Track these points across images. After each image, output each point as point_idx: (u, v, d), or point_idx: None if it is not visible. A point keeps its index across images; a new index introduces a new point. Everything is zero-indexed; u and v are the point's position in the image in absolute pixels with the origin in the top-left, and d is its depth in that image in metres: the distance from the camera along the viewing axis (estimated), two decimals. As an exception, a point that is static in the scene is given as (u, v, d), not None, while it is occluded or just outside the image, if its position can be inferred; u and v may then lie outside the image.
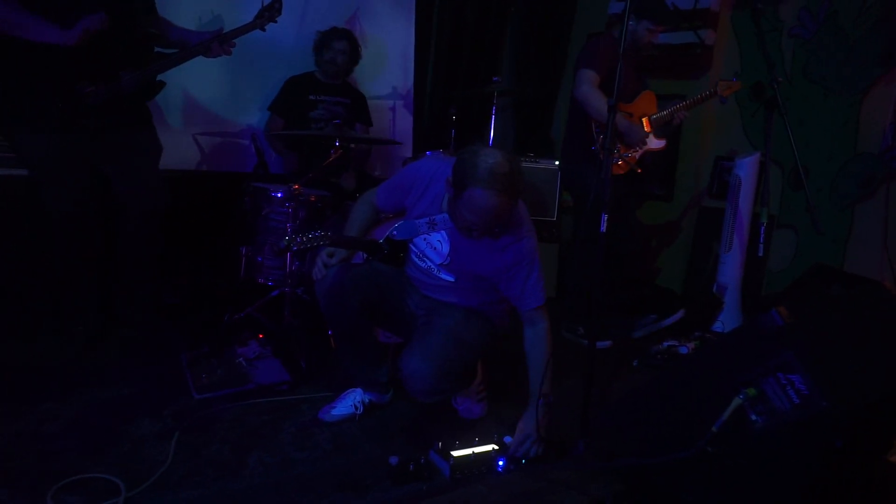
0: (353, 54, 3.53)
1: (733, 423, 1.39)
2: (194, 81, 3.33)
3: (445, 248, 2.09)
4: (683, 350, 2.98)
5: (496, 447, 1.96)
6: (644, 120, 3.06)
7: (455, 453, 1.89)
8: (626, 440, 1.91)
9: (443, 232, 2.08)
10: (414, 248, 2.18)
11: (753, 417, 1.37)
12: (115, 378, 2.39)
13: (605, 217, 1.98)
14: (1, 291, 2.64)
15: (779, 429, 1.36)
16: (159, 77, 2.53)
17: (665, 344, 3.04)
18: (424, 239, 2.13)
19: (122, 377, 2.40)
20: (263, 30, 2.62)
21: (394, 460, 1.88)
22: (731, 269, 3.38)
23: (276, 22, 2.64)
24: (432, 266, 2.13)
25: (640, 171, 3.08)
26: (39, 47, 2.19)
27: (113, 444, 1.95)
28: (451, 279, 2.12)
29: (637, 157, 3.06)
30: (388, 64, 4.13)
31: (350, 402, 2.23)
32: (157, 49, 2.59)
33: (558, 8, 4.71)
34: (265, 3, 2.60)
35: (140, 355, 2.61)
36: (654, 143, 3.09)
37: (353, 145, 3.25)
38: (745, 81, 3.72)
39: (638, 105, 3.08)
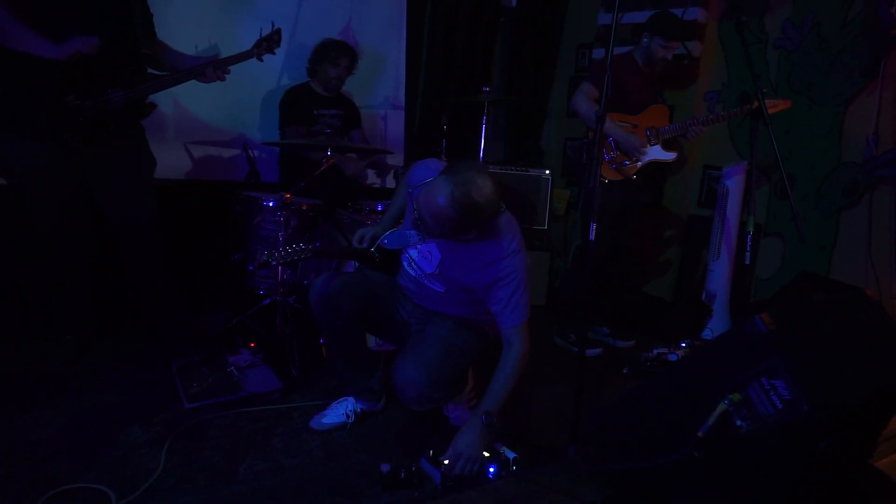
0: (353, 67, 3.59)
1: (719, 427, 1.41)
2: (185, 91, 3.34)
3: (436, 259, 2.11)
4: (673, 357, 3.01)
5: (487, 454, 1.97)
6: (647, 132, 3.10)
7: (446, 461, 1.90)
8: (615, 445, 1.92)
9: (433, 243, 2.10)
10: (405, 257, 2.19)
11: (738, 422, 1.40)
12: (106, 386, 2.39)
13: (594, 226, 2.01)
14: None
15: (763, 433, 1.38)
16: (150, 99, 2.53)
17: (655, 351, 3.06)
18: (416, 248, 2.14)
19: (114, 385, 2.40)
20: (261, 59, 2.64)
21: (385, 467, 1.89)
22: (719, 277, 3.42)
23: (273, 53, 2.67)
24: (423, 275, 2.14)
25: (634, 177, 3.13)
26: (31, 57, 2.19)
27: (104, 451, 1.95)
28: (441, 289, 2.13)
29: (639, 166, 3.11)
30: (380, 73, 4.16)
31: (342, 410, 2.24)
32: (150, 71, 2.59)
33: (547, 19, 4.76)
34: (264, 34, 2.61)
35: (131, 363, 2.61)
36: (661, 154, 3.13)
37: (348, 154, 3.28)
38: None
39: (645, 117, 3.13)
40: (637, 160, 3.10)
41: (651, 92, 3.21)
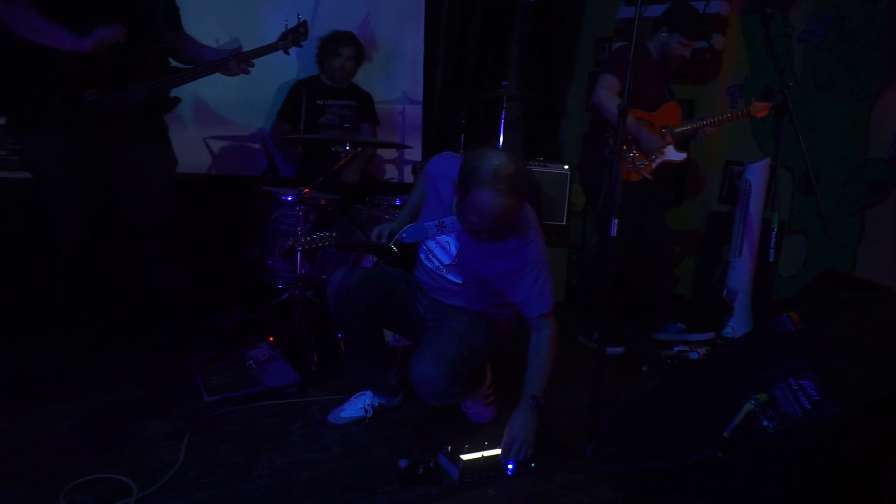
0: (360, 57, 3.56)
1: (744, 428, 1.39)
2: (205, 86, 3.35)
3: (454, 249, 2.10)
4: (694, 355, 2.97)
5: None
6: (663, 131, 3.03)
7: (464, 457, 1.90)
8: (634, 444, 1.90)
9: (452, 234, 2.09)
10: (423, 249, 2.19)
11: (765, 423, 1.37)
12: (125, 379, 2.41)
13: (616, 221, 1.99)
14: (11, 294, 2.66)
15: (790, 434, 1.35)
16: (174, 92, 2.50)
17: (675, 349, 3.03)
18: (434, 239, 2.13)
19: (132, 379, 2.42)
20: (287, 52, 2.60)
21: (403, 463, 1.88)
22: (741, 274, 3.37)
23: (300, 46, 2.63)
24: (440, 266, 2.13)
25: (651, 178, 3.06)
26: (51, 52, 2.19)
27: (124, 444, 1.96)
28: (459, 281, 2.12)
29: (653, 167, 3.03)
30: (398, 68, 4.15)
31: (360, 404, 2.24)
32: (172, 64, 2.57)
33: (566, 13, 4.72)
34: (290, 27, 2.59)
35: (149, 357, 2.63)
36: (674, 154, 3.05)
37: (359, 149, 3.27)
38: (753, 86, 3.72)
39: (660, 115, 3.05)
40: (653, 160, 3.03)
41: (662, 89, 3.13)
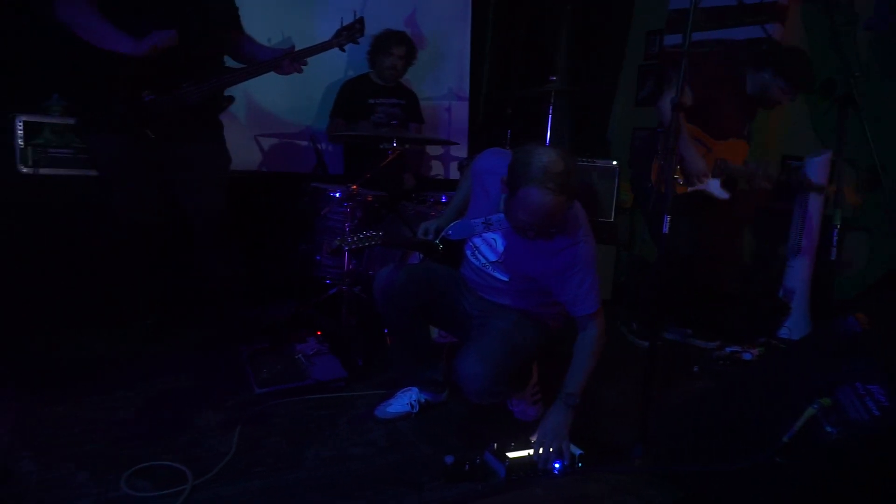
0: (410, 57, 3.57)
1: (806, 433, 1.33)
2: (256, 85, 3.43)
3: (500, 247, 2.08)
4: (747, 356, 2.88)
5: (552, 450, 1.94)
6: (717, 162, 2.88)
7: (510, 455, 1.88)
8: (685, 446, 1.85)
9: (498, 232, 2.07)
10: (469, 246, 2.18)
11: (828, 429, 1.31)
12: (179, 369, 2.49)
13: (668, 218, 1.93)
14: (76, 285, 2.78)
15: (856, 441, 1.29)
16: (228, 92, 2.55)
17: (728, 350, 2.94)
18: (480, 236, 2.12)
19: (186, 369, 2.50)
20: (343, 50, 2.61)
21: (449, 459, 1.88)
22: (798, 273, 3.25)
23: (357, 43, 2.62)
24: (486, 263, 2.12)
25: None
26: (111, 54, 2.26)
27: (179, 432, 2.03)
28: (505, 279, 2.10)
29: (688, 191, 2.91)
30: (445, 64, 4.15)
31: (406, 400, 2.25)
32: (228, 64, 2.62)
33: (616, 5, 4.62)
34: (345, 23, 2.59)
35: (202, 349, 2.71)
36: (716, 189, 2.91)
37: (407, 146, 3.29)
38: (815, 78, 3.56)
39: (723, 146, 2.94)
40: (690, 185, 2.90)
41: (742, 123, 3.00)
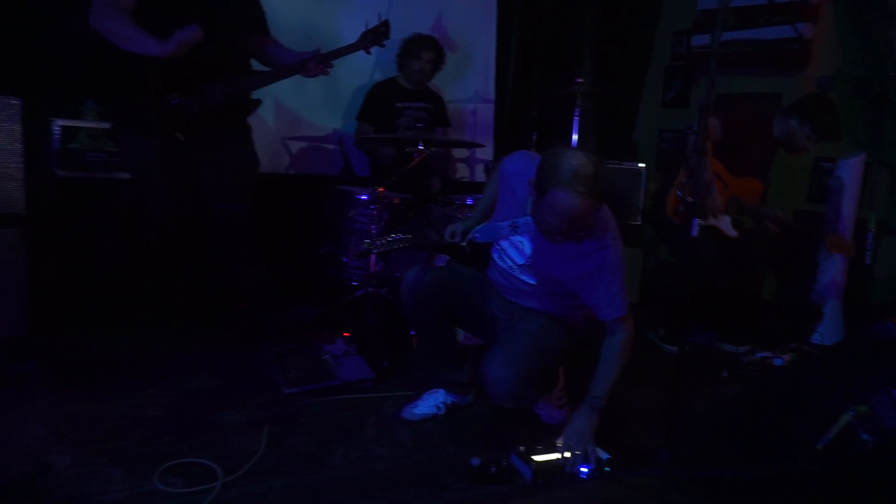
0: (439, 62, 3.58)
1: (841, 440, 1.30)
2: (284, 88, 3.48)
3: (528, 250, 2.08)
4: (778, 362, 2.83)
5: (578, 453, 1.93)
6: (730, 198, 2.88)
7: (537, 458, 1.88)
8: (714, 451, 1.83)
9: (525, 235, 2.07)
10: (496, 249, 2.18)
11: (864, 436, 1.28)
12: (207, 368, 2.53)
13: (696, 221, 1.92)
14: (107, 285, 2.85)
15: (892, 449, 1.26)
16: (255, 95, 2.58)
17: (758, 355, 2.89)
18: (507, 239, 2.12)
19: (214, 368, 2.54)
20: (368, 52, 2.62)
21: (475, 461, 1.88)
22: (831, 277, 3.18)
23: (382, 45, 2.63)
24: (513, 266, 2.12)
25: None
26: (138, 57, 2.30)
27: (208, 431, 2.06)
28: (532, 282, 2.10)
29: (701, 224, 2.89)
30: (470, 67, 4.15)
31: (432, 402, 2.26)
32: (254, 67, 2.65)
33: (642, 6, 4.58)
34: (370, 26, 2.60)
35: (229, 348, 2.75)
36: (727, 227, 2.91)
37: (433, 148, 3.30)
38: (846, 77, 3.49)
39: (741, 184, 2.95)
40: (704, 219, 2.87)
41: (762, 163, 3.02)
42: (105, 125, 2.79)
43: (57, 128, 2.74)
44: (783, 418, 1.58)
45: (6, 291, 2.47)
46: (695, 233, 1.92)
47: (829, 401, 1.38)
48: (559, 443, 1.93)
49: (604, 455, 1.92)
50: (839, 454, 1.32)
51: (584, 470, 1.88)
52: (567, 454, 1.89)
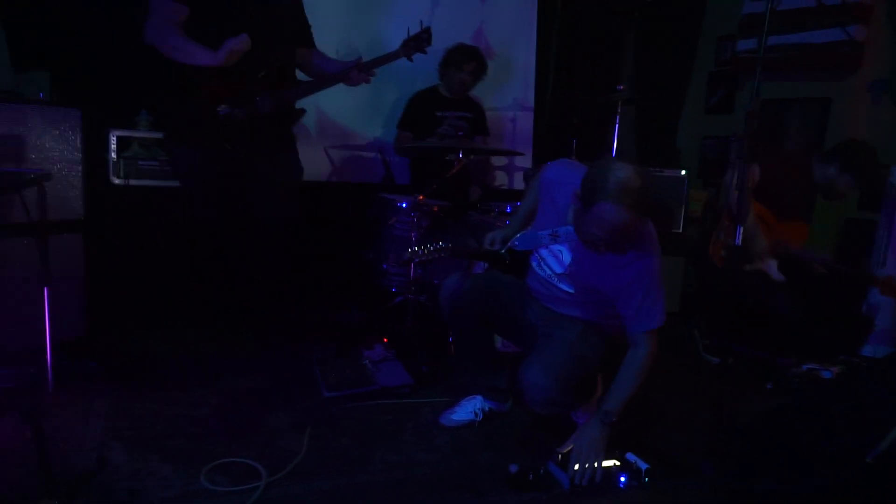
0: (480, 73, 3.61)
1: (891, 453, 1.27)
2: (326, 98, 3.56)
3: (567, 259, 2.07)
4: (826, 374, 2.74)
5: (617, 462, 1.91)
6: (776, 242, 2.78)
7: (576, 466, 1.87)
8: (757, 463, 1.79)
9: (565, 244, 2.07)
10: (535, 257, 2.18)
11: (916, 450, 1.25)
12: (252, 371, 2.60)
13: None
14: (158, 289, 2.96)
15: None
16: (299, 104, 2.65)
17: (805, 367, 2.81)
18: (547, 248, 2.12)
19: (257, 370, 2.61)
20: (410, 59, 2.65)
21: (513, 468, 1.89)
22: (886, 325, 3.06)
23: (424, 52, 2.65)
24: (552, 275, 2.11)
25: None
26: (189, 69, 2.39)
27: (253, 431, 2.12)
28: (570, 290, 2.09)
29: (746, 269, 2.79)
30: (510, 75, 4.17)
31: (470, 408, 2.27)
32: (298, 77, 2.72)
33: (686, 9, 4.52)
34: (412, 33, 2.62)
35: (272, 351, 2.82)
36: (773, 271, 2.76)
37: (472, 157, 3.33)
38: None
39: (785, 228, 2.88)
40: (750, 263, 2.77)
41: (804, 207, 2.95)
42: (157, 135, 2.92)
43: (113, 138, 2.88)
44: (832, 431, 1.54)
45: (68, 294, 2.59)
46: (739, 241, 1.90)
47: (880, 414, 1.34)
48: (566, 451, 1.91)
49: (643, 465, 1.90)
50: (890, 467, 1.28)
51: (623, 480, 1.86)
52: (577, 467, 1.86)
